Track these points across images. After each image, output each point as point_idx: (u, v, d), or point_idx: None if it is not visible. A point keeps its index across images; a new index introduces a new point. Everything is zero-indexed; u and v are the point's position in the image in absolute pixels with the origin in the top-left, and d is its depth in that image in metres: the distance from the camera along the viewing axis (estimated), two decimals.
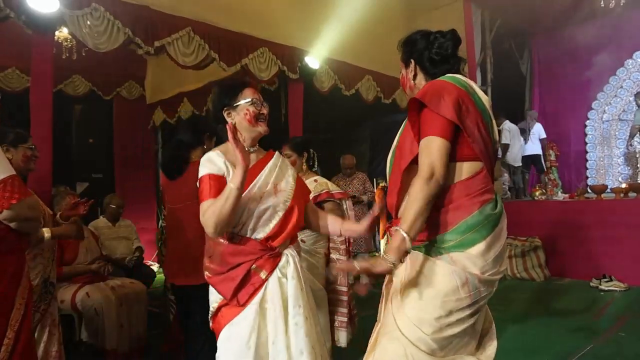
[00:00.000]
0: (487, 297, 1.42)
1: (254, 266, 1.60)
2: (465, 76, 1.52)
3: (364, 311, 2.84)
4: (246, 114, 1.68)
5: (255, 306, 1.58)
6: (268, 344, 1.57)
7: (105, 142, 7.08)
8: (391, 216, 1.55)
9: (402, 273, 1.40)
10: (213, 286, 1.65)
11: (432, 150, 1.33)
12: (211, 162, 1.64)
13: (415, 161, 1.38)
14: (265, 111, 1.73)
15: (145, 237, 5.35)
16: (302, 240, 2.67)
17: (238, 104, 1.69)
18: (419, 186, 1.31)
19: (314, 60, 5.12)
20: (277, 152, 1.81)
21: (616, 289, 4.65)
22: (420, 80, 1.57)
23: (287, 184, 1.72)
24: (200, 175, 1.63)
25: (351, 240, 2.82)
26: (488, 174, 1.42)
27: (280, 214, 1.66)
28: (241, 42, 4.53)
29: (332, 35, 4.97)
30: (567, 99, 7.97)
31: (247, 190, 1.60)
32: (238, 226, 1.62)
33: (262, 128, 1.72)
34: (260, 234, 1.64)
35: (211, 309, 1.66)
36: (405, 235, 1.28)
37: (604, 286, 4.71)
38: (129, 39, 3.65)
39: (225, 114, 1.72)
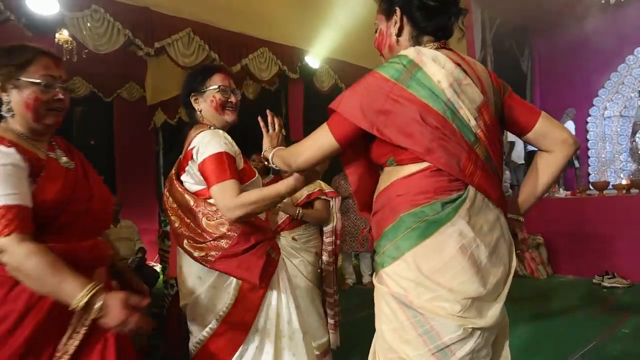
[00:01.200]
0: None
1: (268, 247, 1.55)
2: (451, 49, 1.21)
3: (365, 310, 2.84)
4: (212, 100, 1.61)
5: (275, 291, 1.55)
6: (283, 324, 1.55)
7: (106, 143, 7.08)
8: None
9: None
10: (227, 272, 1.50)
11: (313, 137, 1.18)
12: (227, 140, 1.56)
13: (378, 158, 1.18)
14: (234, 99, 1.65)
15: (147, 238, 5.35)
16: (293, 239, 2.68)
17: (205, 89, 1.62)
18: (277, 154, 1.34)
19: (314, 59, 5.11)
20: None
21: (619, 285, 4.64)
22: (406, 37, 1.21)
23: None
24: (213, 151, 1.49)
25: (337, 242, 2.82)
26: (444, 170, 1.08)
27: None
28: (241, 42, 4.53)
29: (332, 34, 4.96)
30: (568, 96, 7.95)
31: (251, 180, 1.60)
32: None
33: (229, 117, 1.64)
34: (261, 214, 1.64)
35: (221, 313, 1.53)
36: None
37: (606, 283, 4.70)
38: (129, 40, 3.66)
39: (192, 100, 1.65)
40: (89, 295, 1.04)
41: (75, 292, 1.04)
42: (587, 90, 7.84)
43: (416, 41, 1.20)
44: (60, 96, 1.24)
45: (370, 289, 1.28)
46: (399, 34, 1.21)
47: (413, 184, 1.09)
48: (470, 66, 1.18)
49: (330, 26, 4.93)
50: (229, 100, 1.63)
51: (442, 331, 1.02)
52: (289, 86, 5.33)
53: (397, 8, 1.19)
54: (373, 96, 1.09)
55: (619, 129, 7.80)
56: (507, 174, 6.74)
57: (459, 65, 1.14)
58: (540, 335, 3.29)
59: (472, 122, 1.11)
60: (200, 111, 1.64)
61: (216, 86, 1.61)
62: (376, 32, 1.28)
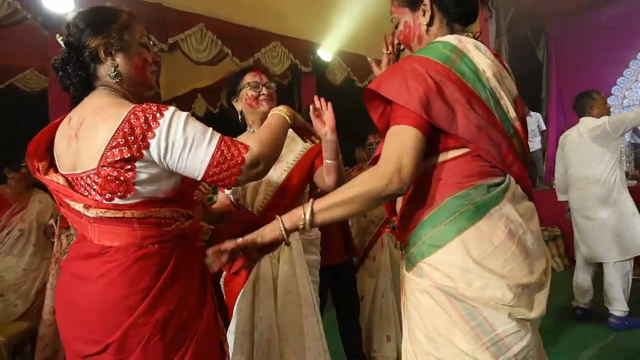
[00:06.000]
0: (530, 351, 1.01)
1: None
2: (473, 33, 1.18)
3: None
4: (246, 98, 1.72)
5: (249, 284, 1.61)
6: (256, 319, 1.59)
7: None
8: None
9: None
10: None
11: (402, 140, 1.00)
12: None
13: None
14: (267, 91, 1.73)
15: None
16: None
17: (240, 90, 1.74)
18: (370, 175, 0.99)
19: (326, 53, 5.10)
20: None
21: (638, 277, 4.56)
22: (437, 26, 1.16)
23: (292, 154, 1.73)
24: None
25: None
26: (484, 157, 1.05)
27: (277, 185, 1.67)
28: (253, 37, 4.54)
29: (344, 27, 4.94)
30: (585, 84, 7.76)
31: None
32: (241, 197, 1.67)
33: (264, 107, 1.72)
34: (258, 206, 1.66)
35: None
36: (309, 212, 0.99)
37: None
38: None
39: (233, 103, 1.78)
40: None
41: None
42: (605, 79, 7.66)
43: (448, 29, 1.16)
44: (157, 58, 1.25)
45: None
46: (430, 23, 1.15)
47: (454, 168, 1.05)
48: (499, 58, 1.17)
49: (342, 19, 4.90)
50: (261, 93, 1.72)
51: (495, 322, 0.97)
52: (302, 80, 5.33)
53: None
54: (420, 78, 1.02)
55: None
56: None
57: (496, 56, 1.14)
58: (557, 328, 3.27)
59: (511, 114, 1.09)
60: (241, 112, 1.77)
61: (247, 84, 1.72)
62: (396, 26, 1.22)
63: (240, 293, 1.61)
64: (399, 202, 1.20)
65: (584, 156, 3.26)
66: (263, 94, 1.72)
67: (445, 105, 1.01)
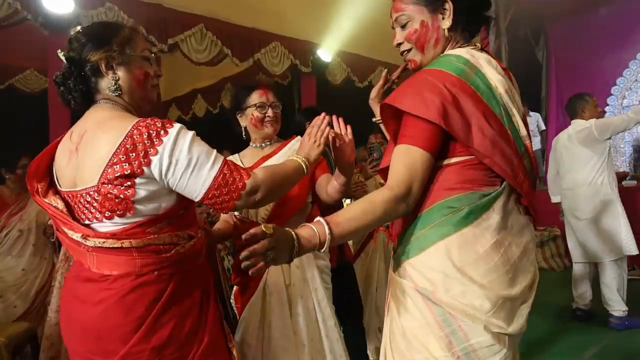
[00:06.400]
0: None
1: None
2: (479, 43, 1.16)
3: None
4: (251, 118, 1.74)
5: (259, 292, 1.61)
6: (272, 330, 1.58)
7: None
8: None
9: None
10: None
11: (414, 163, 1.00)
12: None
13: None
14: (272, 113, 1.75)
15: None
16: None
17: (245, 108, 1.75)
18: (383, 199, 0.98)
19: (326, 53, 5.10)
20: (297, 137, 1.80)
21: (638, 277, 4.56)
22: (458, 31, 1.13)
23: None
24: None
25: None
26: (481, 164, 1.04)
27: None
28: (253, 37, 4.55)
29: (344, 27, 4.94)
30: (585, 84, 7.78)
31: None
32: (244, 210, 1.67)
33: (268, 129, 1.75)
34: (262, 215, 1.67)
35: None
36: (329, 233, 0.94)
37: (627, 275, 4.62)
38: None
39: (238, 117, 1.79)
40: None
41: None
42: (605, 79, 7.66)
43: (463, 37, 1.14)
44: (159, 72, 1.24)
45: None
46: (451, 28, 1.10)
47: (452, 174, 1.04)
48: (508, 73, 1.15)
49: (342, 19, 4.91)
50: (267, 115, 1.74)
51: (470, 333, 0.97)
52: (302, 80, 5.34)
53: (448, 0, 1.09)
54: (436, 89, 1.00)
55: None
56: None
57: (505, 70, 1.13)
58: (557, 328, 3.26)
59: (522, 132, 1.08)
60: (245, 127, 1.79)
61: (253, 104, 1.73)
62: (403, 26, 1.15)
63: (250, 302, 1.62)
64: None
65: (573, 158, 3.31)
66: (269, 116, 1.73)
67: (462, 117, 1.00)
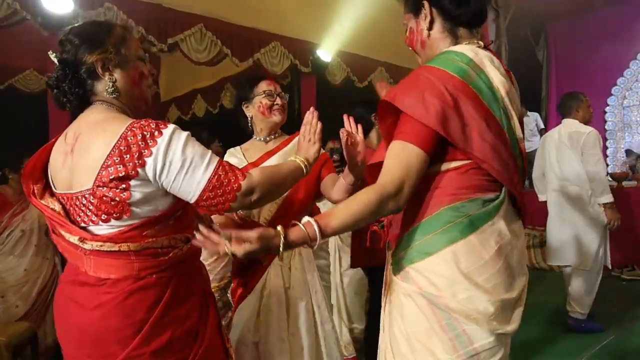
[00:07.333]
0: None
1: None
2: (481, 40, 1.15)
3: None
4: (259, 106, 1.73)
5: (256, 294, 1.61)
6: (269, 332, 1.58)
7: None
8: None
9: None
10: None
11: (408, 160, 1.00)
12: (229, 155, 1.74)
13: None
14: (280, 101, 1.75)
15: None
16: (341, 239, 2.80)
17: (253, 97, 1.75)
18: (374, 198, 0.98)
19: (325, 53, 5.10)
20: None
21: (639, 278, 4.56)
22: (439, 29, 1.14)
23: None
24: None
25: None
26: (481, 169, 1.04)
27: (283, 196, 1.64)
28: (253, 37, 4.54)
29: (344, 27, 4.94)
30: (585, 85, 7.78)
31: None
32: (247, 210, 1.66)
33: (276, 117, 1.74)
34: (265, 216, 1.66)
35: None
36: (317, 230, 0.95)
37: (626, 275, 4.63)
38: (143, 37, 3.69)
39: (244, 108, 1.78)
40: None
41: None
42: (605, 80, 7.67)
43: (451, 34, 1.14)
44: (153, 70, 1.22)
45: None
46: (430, 28, 1.14)
47: (453, 179, 1.05)
48: (509, 73, 1.15)
49: (342, 19, 4.90)
50: (275, 102, 1.74)
51: (474, 336, 0.98)
52: (302, 80, 5.33)
53: (424, 1, 1.13)
54: (437, 92, 1.00)
55: (638, 119, 7.63)
56: None
57: (506, 70, 1.13)
58: (557, 328, 3.26)
59: (518, 134, 1.08)
60: (251, 118, 1.77)
61: (262, 91, 1.73)
62: (406, 31, 1.22)
63: (244, 302, 1.62)
64: None
65: (561, 156, 3.27)
66: (277, 104, 1.74)
67: (461, 122, 1.00)
